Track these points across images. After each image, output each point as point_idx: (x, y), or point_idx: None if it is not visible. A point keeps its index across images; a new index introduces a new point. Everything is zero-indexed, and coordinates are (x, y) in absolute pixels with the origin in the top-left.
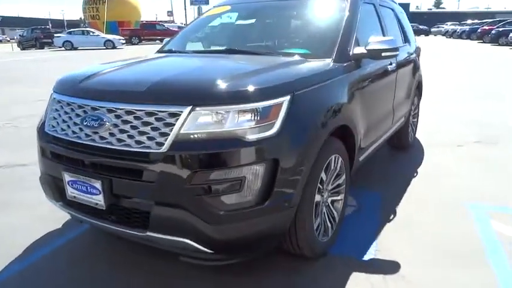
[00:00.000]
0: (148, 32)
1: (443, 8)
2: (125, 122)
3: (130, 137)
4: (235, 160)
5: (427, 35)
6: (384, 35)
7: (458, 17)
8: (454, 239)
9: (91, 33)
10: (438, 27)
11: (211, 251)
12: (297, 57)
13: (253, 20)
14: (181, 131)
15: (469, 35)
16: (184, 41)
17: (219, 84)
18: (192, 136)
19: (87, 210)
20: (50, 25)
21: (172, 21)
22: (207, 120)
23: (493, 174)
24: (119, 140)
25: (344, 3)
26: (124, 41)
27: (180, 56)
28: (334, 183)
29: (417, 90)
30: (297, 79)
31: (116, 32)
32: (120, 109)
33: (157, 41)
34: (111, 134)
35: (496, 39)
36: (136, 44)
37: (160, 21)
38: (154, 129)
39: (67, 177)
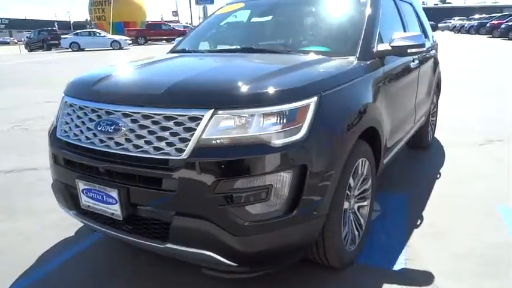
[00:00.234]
0: (154, 32)
1: (450, 3)
2: (142, 127)
3: (148, 143)
4: (261, 167)
5: (434, 30)
6: (404, 31)
7: (465, 11)
8: (488, 246)
9: (97, 34)
10: (445, 22)
11: (235, 264)
12: (319, 56)
13: (269, 17)
14: (203, 137)
15: (477, 29)
16: (197, 40)
17: (242, 85)
18: (214, 142)
19: (102, 220)
20: (57, 27)
21: (178, 21)
22: (230, 124)
23: None
24: (136, 146)
25: None
26: (130, 42)
27: (196, 56)
28: (361, 189)
29: (436, 87)
30: (323, 79)
31: (121, 33)
32: (137, 113)
33: (163, 41)
34: (128, 140)
35: (506, 34)
36: (143, 44)
37: (166, 21)
38: (173, 134)
39: (81, 185)
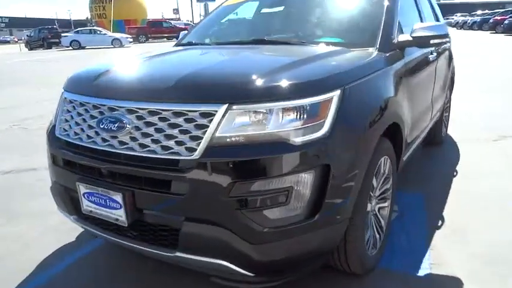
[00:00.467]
0: (155, 29)
1: (452, 0)
2: (149, 124)
3: (155, 141)
4: (280, 168)
5: None
6: (421, 21)
7: (467, 7)
8: None
9: (98, 32)
10: (447, 18)
11: (251, 274)
12: (336, 47)
13: (280, 8)
14: (216, 134)
15: (480, 25)
16: (204, 32)
17: (259, 77)
18: (228, 140)
19: (105, 225)
20: (57, 25)
21: (179, 19)
22: (245, 120)
23: None
24: (142, 146)
25: None
26: (131, 40)
27: (204, 49)
28: (382, 189)
29: (450, 82)
30: (346, 70)
31: (122, 31)
32: (143, 109)
33: (164, 39)
34: (133, 139)
35: (509, 29)
36: (144, 42)
37: (167, 19)
38: (183, 132)
39: (82, 188)
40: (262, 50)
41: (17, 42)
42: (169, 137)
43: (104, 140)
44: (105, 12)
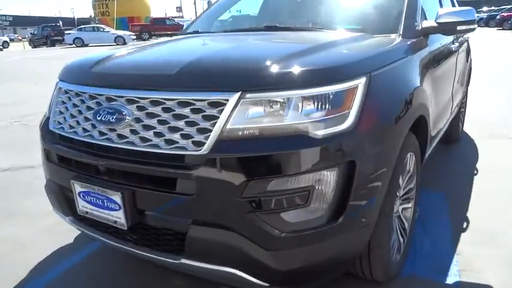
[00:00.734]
0: (158, 27)
1: None
2: (151, 115)
3: (158, 135)
4: (299, 164)
5: None
6: (441, 7)
7: (473, 4)
8: None
9: (101, 30)
10: None
11: (266, 284)
12: (356, 33)
13: None
14: (228, 127)
15: (487, 22)
16: (211, 21)
17: (276, 62)
18: (241, 133)
19: (103, 228)
20: (61, 23)
21: (182, 17)
22: (260, 111)
23: None
24: (143, 139)
25: None
26: (134, 37)
27: (212, 36)
28: (406, 188)
29: (468, 76)
30: (371, 56)
31: (126, 28)
32: (144, 98)
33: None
34: (133, 132)
35: None
36: (147, 40)
37: (170, 17)
38: (190, 124)
39: (77, 187)
40: (277, 36)
41: (21, 40)
42: (174, 129)
43: (101, 133)
44: (108, 9)
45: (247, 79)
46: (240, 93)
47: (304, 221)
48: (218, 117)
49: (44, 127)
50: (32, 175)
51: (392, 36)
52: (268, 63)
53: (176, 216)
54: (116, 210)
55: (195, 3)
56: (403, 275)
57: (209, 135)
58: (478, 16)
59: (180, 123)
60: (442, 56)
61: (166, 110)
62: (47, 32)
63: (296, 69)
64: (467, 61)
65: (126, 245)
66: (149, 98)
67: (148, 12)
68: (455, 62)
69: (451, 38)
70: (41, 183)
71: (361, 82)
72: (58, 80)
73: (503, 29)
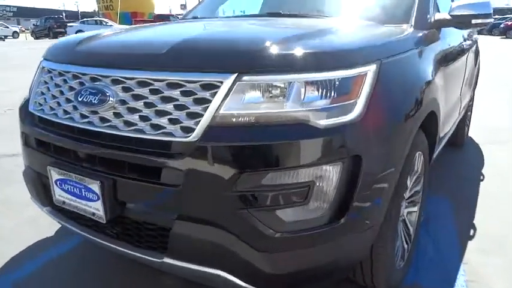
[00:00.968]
0: None
1: None
2: (137, 97)
3: (144, 119)
4: (299, 157)
5: None
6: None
7: None
8: None
9: (104, 23)
10: None
11: None
12: (366, 22)
13: None
14: (221, 111)
15: (490, 30)
16: (212, 7)
17: (277, 43)
18: (235, 119)
19: (82, 221)
20: (64, 16)
21: None
22: (258, 95)
23: None
24: (127, 123)
25: None
26: None
27: (211, 20)
28: (412, 190)
29: (475, 79)
30: (381, 43)
31: (129, 23)
32: (130, 79)
33: None
34: (117, 115)
35: None
36: None
37: (174, 14)
38: (179, 107)
39: (54, 174)
40: (280, 21)
41: (23, 31)
42: (161, 113)
43: (83, 116)
44: (112, 4)
45: (245, 60)
46: (236, 75)
47: (301, 220)
48: (211, 101)
49: (23, 109)
50: (13, 163)
51: (404, 26)
52: (268, 43)
53: (160, 209)
54: (94, 200)
55: (199, 0)
56: (406, 283)
57: (199, 120)
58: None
59: (169, 107)
60: (453, 52)
61: (154, 91)
62: (50, 23)
63: (299, 51)
64: (475, 63)
65: (106, 241)
66: (136, 78)
67: (152, 9)
68: (465, 62)
69: (462, 34)
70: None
71: (370, 69)
72: (42, 59)
73: (506, 38)
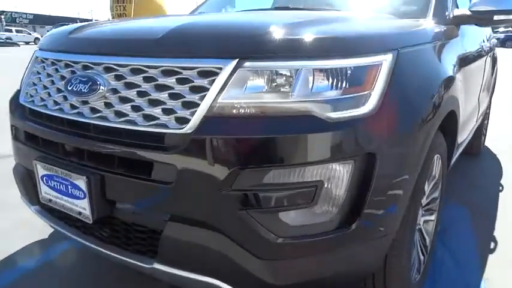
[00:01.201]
0: None
1: None
2: (130, 85)
3: (136, 109)
4: (306, 153)
5: None
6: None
7: None
8: None
9: None
10: None
11: None
12: (381, 14)
13: None
14: (220, 101)
15: (503, 42)
16: (218, 5)
17: (283, 28)
18: (235, 110)
19: (69, 221)
20: (78, 22)
21: None
22: (261, 84)
23: None
24: (118, 114)
25: None
26: None
27: (215, 13)
28: (429, 197)
29: (493, 86)
30: (400, 32)
31: None
32: (123, 66)
33: None
34: (107, 105)
35: None
36: None
37: None
38: (174, 96)
39: (40, 169)
40: (289, 12)
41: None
42: (155, 103)
43: (73, 106)
44: (125, 12)
45: (247, 44)
46: (237, 60)
47: (307, 225)
48: (208, 89)
49: (14, 100)
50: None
51: (421, 20)
52: (274, 27)
53: (150, 210)
54: (81, 198)
55: None
56: None
57: (195, 110)
58: (494, 36)
59: (163, 96)
60: (473, 52)
61: (148, 79)
62: None
63: (308, 36)
64: (493, 69)
65: (93, 243)
66: (129, 65)
67: None
68: (483, 65)
69: (481, 36)
70: None
71: (386, 59)
72: (36, 49)
73: None
